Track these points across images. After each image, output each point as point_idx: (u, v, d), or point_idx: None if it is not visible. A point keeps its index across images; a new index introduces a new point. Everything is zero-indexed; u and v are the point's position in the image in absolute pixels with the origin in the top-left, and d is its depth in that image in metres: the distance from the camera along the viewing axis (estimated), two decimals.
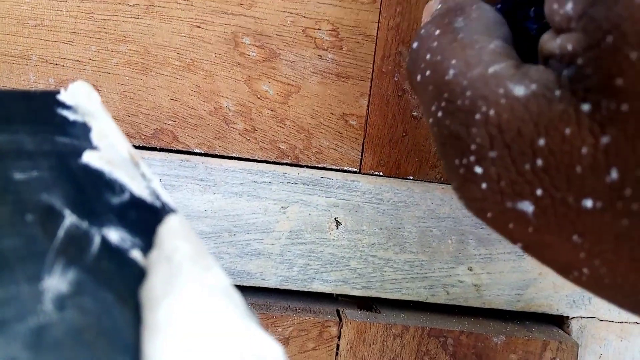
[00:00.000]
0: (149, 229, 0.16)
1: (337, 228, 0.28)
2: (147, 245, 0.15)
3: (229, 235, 0.27)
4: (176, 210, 0.17)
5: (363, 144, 0.28)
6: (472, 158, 0.17)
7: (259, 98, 0.27)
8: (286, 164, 0.28)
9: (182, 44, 0.27)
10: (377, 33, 0.27)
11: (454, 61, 0.17)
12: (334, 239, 0.28)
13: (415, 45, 0.20)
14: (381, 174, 0.29)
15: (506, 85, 0.16)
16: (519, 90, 0.15)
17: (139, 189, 0.17)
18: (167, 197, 0.17)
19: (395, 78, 0.28)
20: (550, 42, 0.16)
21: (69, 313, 0.13)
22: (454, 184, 0.18)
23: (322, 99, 0.28)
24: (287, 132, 0.28)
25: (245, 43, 0.27)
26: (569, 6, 0.15)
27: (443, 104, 0.17)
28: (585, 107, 0.14)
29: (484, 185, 0.16)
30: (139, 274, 0.14)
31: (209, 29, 0.27)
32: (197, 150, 0.28)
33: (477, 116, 0.16)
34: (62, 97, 0.19)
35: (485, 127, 0.16)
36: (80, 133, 0.18)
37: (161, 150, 0.27)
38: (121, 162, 0.17)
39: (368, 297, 0.29)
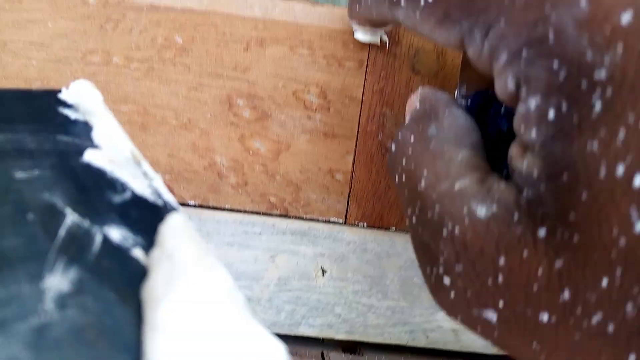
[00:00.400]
0: (150, 227, 0.16)
1: (323, 276, 0.30)
2: (148, 243, 0.15)
3: None
4: (178, 209, 0.17)
5: (348, 197, 0.30)
6: (441, 269, 0.18)
7: (251, 155, 0.29)
8: (276, 215, 0.30)
9: (180, 105, 0.29)
10: (362, 96, 0.29)
11: (425, 172, 0.19)
12: (320, 286, 0.30)
13: (393, 148, 0.21)
14: (365, 225, 0.30)
15: (470, 205, 0.17)
16: (481, 211, 0.17)
17: (141, 188, 0.17)
18: (169, 196, 0.17)
19: (378, 137, 0.30)
20: (517, 161, 0.17)
21: (70, 312, 0.13)
22: (428, 288, 0.19)
23: (310, 155, 0.30)
24: (277, 186, 0.30)
25: (239, 104, 0.29)
26: (533, 134, 0.16)
27: (417, 212, 0.19)
28: (542, 232, 0.16)
29: (452, 294, 0.18)
30: (140, 273, 0.14)
31: (205, 91, 0.29)
32: (192, 203, 0.29)
33: (444, 232, 0.18)
34: (64, 95, 0.19)
35: (452, 244, 0.17)
36: (82, 132, 0.18)
37: None
38: (123, 160, 0.17)
39: (351, 341, 0.31)
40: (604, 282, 0.15)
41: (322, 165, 0.30)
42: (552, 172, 0.16)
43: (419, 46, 0.29)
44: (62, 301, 0.13)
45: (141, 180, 0.17)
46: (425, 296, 0.30)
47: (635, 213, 0.14)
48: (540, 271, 0.16)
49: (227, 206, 0.30)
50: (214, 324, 0.13)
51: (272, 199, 0.30)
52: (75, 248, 0.14)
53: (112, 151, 0.17)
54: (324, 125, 0.29)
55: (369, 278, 0.30)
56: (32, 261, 0.13)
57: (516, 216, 0.16)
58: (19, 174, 0.15)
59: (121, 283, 0.14)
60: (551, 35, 0.16)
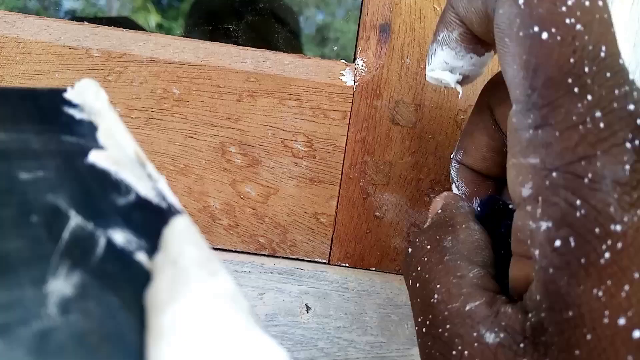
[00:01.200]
0: (154, 230, 0.15)
1: (308, 312, 0.32)
2: (152, 247, 0.15)
3: None
4: (182, 212, 0.16)
5: (332, 239, 0.32)
6: None
7: (242, 198, 0.31)
8: (264, 255, 0.32)
9: (177, 151, 0.31)
10: (346, 145, 0.31)
11: (438, 286, 0.20)
12: (304, 322, 0.32)
13: (409, 251, 0.22)
14: (347, 265, 0.32)
15: (479, 330, 0.18)
16: (489, 338, 0.18)
17: (145, 190, 0.16)
18: (173, 199, 0.17)
19: (360, 183, 0.32)
20: (518, 280, 0.18)
21: (73, 317, 0.12)
22: None
23: (297, 199, 0.32)
24: (266, 227, 0.32)
25: (231, 151, 0.31)
26: (535, 254, 0.17)
27: (428, 324, 0.20)
28: None
29: None
30: (144, 278, 0.14)
31: (200, 139, 0.31)
32: None
33: (454, 352, 0.18)
34: (69, 95, 0.18)
35: None
36: (87, 132, 0.17)
37: None
38: (127, 162, 0.17)
39: None
40: None
41: (308, 209, 0.32)
42: (554, 303, 0.17)
43: (398, 98, 0.31)
44: (65, 306, 0.12)
45: (146, 182, 0.17)
46: (402, 332, 0.32)
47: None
48: None
49: (219, 246, 0.31)
50: (217, 330, 0.12)
51: (261, 240, 0.32)
52: (79, 251, 0.14)
53: (117, 152, 0.17)
54: (310, 172, 0.31)
55: (350, 315, 0.32)
56: (35, 264, 0.13)
57: (522, 345, 0.17)
58: (23, 175, 0.15)
59: (124, 288, 0.14)
60: (588, 178, 0.17)
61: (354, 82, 0.31)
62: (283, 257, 0.32)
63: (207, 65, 0.30)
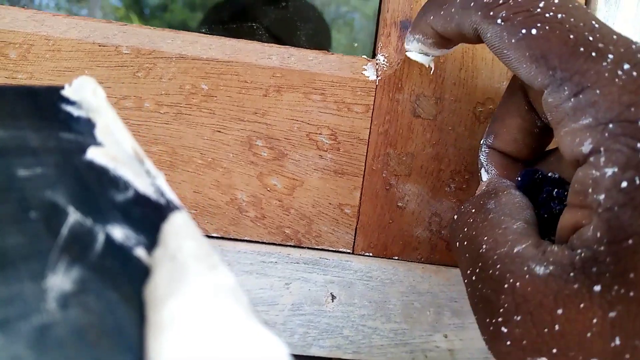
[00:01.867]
0: (153, 226, 0.15)
1: (333, 301, 0.33)
2: (151, 242, 0.15)
3: None
4: (181, 208, 0.16)
5: (356, 229, 0.33)
6: (499, 319, 0.20)
7: (268, 191, 0.32)
8: (290, 246, 0.33)
9: (205, 146, 0.32)
10: (369, 137, 0.32)
11: (485, 237, 0.21)
12: (329, 311, 0.33)
13: (455, 217, 0.24)
14: (371, 255, 0.33)
15: (529, 265, 0.19)
16: (539, 270, 0.19)
17: (144, 186, 0.16)
18: (172, 195, 0.17)
19: (383, 174, 0.33)
20: (571, 224, 0.19)
21: (72, 312, 0.12)
22: (484, 337, 0.21)
23: (322, 191, 0.32)
24: (292, 219, 0.33)
25: (258, 145, 0.32)
26: (602, 198, 0.18)
27: (477, 271, 0.21)
28: (597, 288, 0.18)
29: (508, 342, 0.19)
30: (143, 273, 0.14)
31: (228, 133, 0.32)
32: (215, 235, 0.32)
33: (506, 286, 0.19)
34: (66, 92, 0.18)
35: (512, 296, 0.19)
36: (85, 129, 0.17)
37: None
38: (126, 158, 0.17)
39: None
40: None
41: (333, 200, 0.32)
42: (616, 236, 0.17)
43: (419, 92, 0.32)
44: (65, 301, 0.12)
45: (144, 178, 0.17)
46: (424, 319, 0.33)
47: None
48: (595, 321, 0.18)
49: (246, 238, 0.32)
50: (217, 324, 0.13)
51: (287, 231, 0.33)
52: (78, 247, 0.14)
53: (115, 149, 0.17)
54: (335, 164, 0.32)
55: (374, 303, 0.33)
56: (34, 260, 0.13)
57: (572, 274, 0.18)
58: (22, 172, 0.15)
59: (123, 283, 0.14)
60: None
61: (376, 77, 0.32)
62: (308, 248, 0.33)
63: (234, 62, 0.31)
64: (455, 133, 0.33)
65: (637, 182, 0.17)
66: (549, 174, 0.24)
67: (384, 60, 0.32)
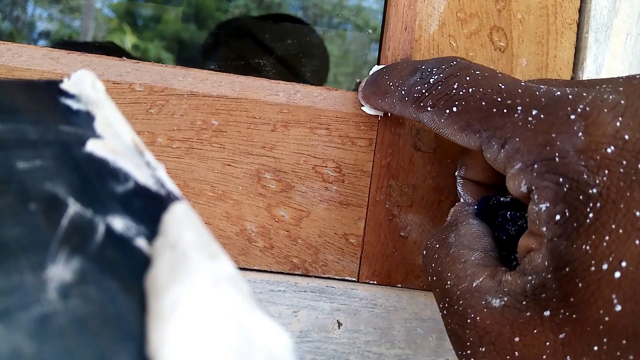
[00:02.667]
0: (153, 217, 0.15)
1: (339, 328, 0.34)
2: (152, 233, 0.15)
3: None
4: (181, 199, 0.16)
5: (360, 258, 0.34)
6: (468, 351, 0.22)
7: (276, 221, 0.33)
8: (297, 274, 0.34)
9: (215, 179, 0.33)
10: (372, 169, 0.34)
11: (449, 274, 0.23)
12: (336, 338, 0.34)
13: (424, 252, 0.26)
14: (375, 282, 0.34)
15: (486, 299, 0.21)
16: (495, 302, 0.21)
17: (144, 178, 0.16)
18: (172, 186, 0.17)
19: (386, 205, 0.34)
20: (525, 252, 0.21)
21: (73, 302, 0.12)
22: None
23: (327, 222, 0.34)
24: (299, 248, 0.34)
25: (266, 177, 0.33)
26: (544, 230, 0.20)
27: (446, 306, 0.23)
28: (547, 313, 0.20)
29: None
30: (143, 262, 0.14)
31: (237, 166, 0.33)
32: None
33: (469, 320, 0.22)
34: (65, 85, 0.18)
35: (475, 330, 0.21)
36: (84, 122, 0.17)
37: None
38: (125, 150, 0.17)
39: None
40: (595, 348, 0.19)
41: (338, 230, 0.34)
42: (557, 264, 0.20)
43: (419, 126, 0.34)
44: (65, 291, 0.12)
45: (144, 169, 0.16)
46: (427, 344, 0.34)
47: (615, 298, 0.18)
48: (547, 344, 0.20)
49: (255, 267, 0.33)
50: (218, 313, 0.12)
51: (295, 260, 0.34)
52: (78, 238, 0.14)
53: (115, 141, 0.17)
54: (340, 195, 0.33)
55: (379, 330, 0.34)
56: (34, 251, 0.13)
57: (525, 303, 0.20)
58: (21, 164, 0.15)
59: (124, 273, 0.14)
60: (557, 157, 0.20)
61: (378, 112, 0.33)
62: (315, 277, 0.34)
63: (244, 98, 0.32)
64: (455, 165, 0.34)
65: (567, 214, 0.20)
66: (502, 198, 0.26)
67: None
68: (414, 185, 0.34)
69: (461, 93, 0.24)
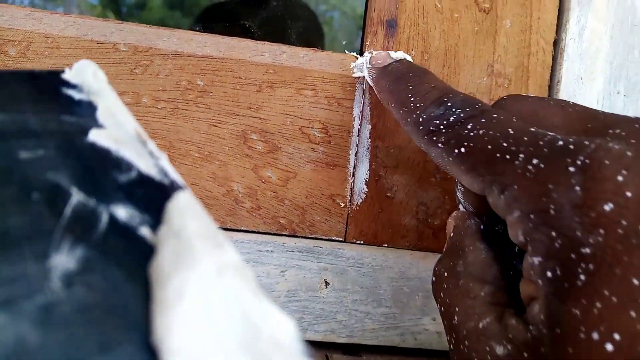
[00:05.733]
0: (157, 205, 0.15)
1: (326, 287, 0.34)
2: (155, 222, 0.15)
3: None
4: (185, 188, 0.16)
5: (347, 218, 0.34)
6: None
7: (263, 182, 0.33)
8: (285, 235, 0.33)
9: (201, 140, 0.32)
10: (359, 131, 0.33)
11: (457, 309, 0.22)
12: (323, 297, 0.34)
13: (433, 280, 0.25)
14: (362, 242, 0.34)
15: (491, 345, 0.20)
16: (499, 350, 0.20)
17: (147, 167, 0.16)
18: (176, 175, 0.16)
19: (372, 166, 0.34)
20: (526, 298, 0.20)
21: (77, 290, 0.12)
22: None
23: (314, 182, 0.33)
24: (286, 209, 0.33)
25: (252, 138, 0.33)
26: (539, 283, 0.19)
27: (453, 341, 0.22)
28: None
29: None
30: (147, 251, 0.14)
31: (223, 127, 0.32)
32: None
33: None
34: (67, 76, 0.18)
35: None
36: (86, 112, 0.17)
37: None
38: (128, 140, 0.17)
39: (351, 344, 0.35)
40: None
41: (325, 191, 0.33)
42: (551, 322, 0.18)
43: None
44: (69, 279, 0.12)
45: (147, 159, 0.16)
46: (413, 303, 0.34)
47: None
48: None
49: (242, 228, 0.33)
50: (223, 301, 0.12)
51: (282, 221, 0.33)
52: (81, 227, 0.13)
53: (117, 130, 0.17)
54: (326, 156, 0.33)
55: (366, 289, 0.34)
56: (37, 240, 0.13)
57: (525, 354, 0.19)
58: (23, 154, 0.15)
59: (128, 261, 0.13)
60: (552, 210, 0.19)
61: (365, 73, 0.33)
62: (303, 237, 0.33)
63: (229, 59, 0.32)
64: None
65: (558, 272, 0.18)
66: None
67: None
68: (400, 146, 0.34)
69: (472, 134, 0.23)
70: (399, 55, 0.30)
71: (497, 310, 0.22)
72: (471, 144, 0.23)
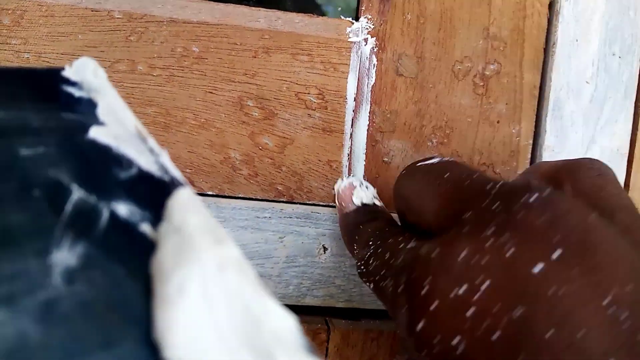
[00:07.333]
0: (158, 202, 0.15)
1: (325, 253, 0.34)
2: (156, 218, 0.15)
3: None
4: (185, 184, 0.16)
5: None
6: None
7: (260, 149, 0.33)
8: (283, 201, 0.33)
9: (198, 107, 0.32)
10: (355, 96, 0.33)
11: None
12: (322, 262, 0.34)
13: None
14: None
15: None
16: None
17: (147, 164, 0.16)
18: (176, 172, 0.16)
19: (369, 131, 0.34)
20: None
21: (78, 287, 0.12)
22: None
23: (311, 149, 0.33)
24: (283, 176, 0.33)
25: (249, 105, 0.33)
26: None
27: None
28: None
29: None
30: (148, 247, 0.14)
31: (219, 94, 0.32)
32: (210, 193, 0.33)
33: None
34: (67, 73, 0.18)
35: None
36: (86, 109, 0.17)
37: None
38: (128, 137, 0.17)
39: (350, 308, 0.35)
40: None
41: (322, 157, 0.33)
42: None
43: (401, 52, 0.33)
44: (70, 276, 0.12)
45: (147, 156, 0.16)
46: None
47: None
48: None
49: (240, 195, 0.33)
50: (224, 296, 0.12)
51: (280, 188, 0.33)
52: (82, 223, 0.13)
53: (117, 128, 0.17)
54: (323, 122, 0.33)
55: None
56: (38, 237, 0.13)
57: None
58: (24, 151, 0.15)
59: (129, 257, 0.13)
60: (401, 331, 0.20)
61: (360, 38, 0.33)
62: (300, 203, 0.33)
63: (224, 25, 0.32)
64: (436, 90, 0.34)
65: None
66: None
67: (366, 22, 0.33)
68: (396, 111, 0.34)
69: (371, 269, 0.24)
70: (359, 194, 0.31)
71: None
72: (372, 279, 0.24)
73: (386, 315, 0.35)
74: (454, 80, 0.33)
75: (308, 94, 0.32)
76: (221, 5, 0.32)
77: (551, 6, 0.34)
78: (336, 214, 0.33)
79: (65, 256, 0.13)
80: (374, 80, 0.33)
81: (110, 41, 0.30)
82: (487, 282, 0.17)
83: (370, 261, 0.24)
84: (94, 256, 0.13)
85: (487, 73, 0.34)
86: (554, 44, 0.34)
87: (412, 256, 0.20)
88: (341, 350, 0.33)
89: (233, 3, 0.32)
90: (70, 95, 0.17)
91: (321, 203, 0.33)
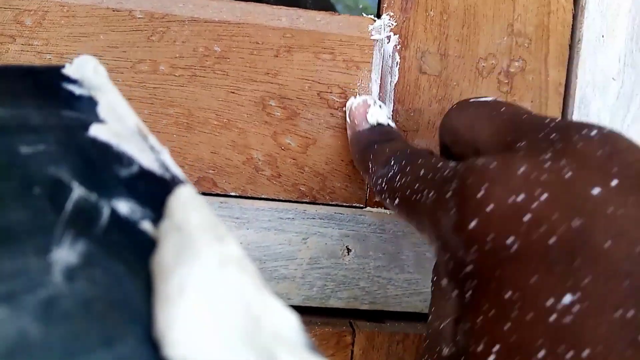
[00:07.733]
0: (158, 200, 0.15)
1: (349, 254, 0.33)
2: (157, 216, 0.15)
3: (260, 263, 0.32)
4: (186, 182, 0.16)
5: (367, 184, 0.34)
6: None
7: (283, 149, 0.33)
8: (306, 202, 0.33)
9: (220, 107, 0.32)
10: (378, 95, 0.33)
11: (432, 309, 0.24)
12: (346, 264, 0.33)
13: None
14: (383, 208, 0.34)
15: (441, 346, 0.22)
16: (445, 352, 0.21)
17: (148, 161, 0.16)
18: (177, 169, 0.16)
19: None
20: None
21: (79, 284, 0.12)
22: None
23: (334, 149, 0.33)
24: (306, 176, 0.33)
25: (271, 105, 0.32)
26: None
27: (424, 335, 0.24)
28: None
29: None
30: (149, 245, 0.14)
31: (241, 94, 0.32)
32: (233, 194, 0.32)
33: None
34: (67, 71, 0.18)
35: None
36: (87, 107, 0.17)
37: (203, 194, 0.32)
38: (129, 135, 0.16)
39: (375, 311, 0.35)
40: None
41: (345, 157, 0.33)
42: (462, 338, 0.19)
43: (424, 49, 0.33)
44: (71, 274, 0.12)
45: (148, 153, 0.16)
46: None
47: None
48: None
49: (263, 196, 0.32)
50: (225, 294, 0.12)
51: (302, 188, 0.33)
52: (83, 221, 0.13)
53: (118, 125, 0.17)
54: (345, 122, 0.33)
55: (388, 255, 0.33)
56: (38, 235, 0.13)
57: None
58: (24, 149, 0.15)
59: (130, 255, 0.13)
60: (443, 235, 0.20)
61: (383, 36, 0.32)
62: (323, 204, 0.33)
63: (245, 24, 0.31)
64: (460, 88, 0.33)
65: (457, 291, 0.20)
66: None
67: (389, 20, 0.33)
68: (420, 109, 0.33)
69: (398, 185, 0.24)
70: (374, 113, 0.30)
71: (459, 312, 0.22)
72: (399, 194, 0.24)
73: (411, 318, 0.35)
74: (478, 78, 0.33)
75: (330, 93, 0.32)
76: (242, 4, 0.32)
77: (576, 2, 0.34)
78: (359, 215, 0.32)
79: (65, 254, 0.13)
80: (397, 79, 0.32)
81: (132, 41, 0.30)
82: (546, 194, 0.18)
83: (397, 178, 0.24)
84: (95, 254, 0.13)
85: (512, 70, 0.33)
86: (579, 40, 0.33)
87: (465, 167, 0.20)
88: (367, 353, 0.32)
89: (254, 2, 0.32)
90: (71, 93, 0.17)
91: (344, 204, 0.33)
